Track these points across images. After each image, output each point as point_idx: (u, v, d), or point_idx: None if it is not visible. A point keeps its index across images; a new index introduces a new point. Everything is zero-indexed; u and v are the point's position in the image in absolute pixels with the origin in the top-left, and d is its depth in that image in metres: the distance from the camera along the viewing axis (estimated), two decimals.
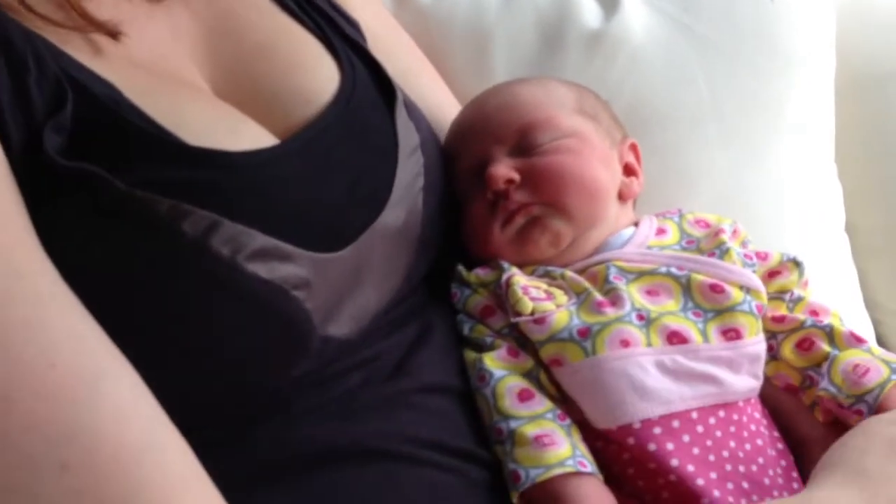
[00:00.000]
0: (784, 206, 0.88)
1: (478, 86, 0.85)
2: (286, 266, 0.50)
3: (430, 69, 0.81)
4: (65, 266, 0.46)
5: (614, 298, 0.57)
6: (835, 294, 0.88)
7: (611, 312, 0.56)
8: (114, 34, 0.53)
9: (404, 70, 0.73)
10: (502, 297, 0.60)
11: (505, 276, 0.61)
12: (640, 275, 0.59)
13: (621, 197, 0.67)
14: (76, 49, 0.51)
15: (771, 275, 0.63)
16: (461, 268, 0.64)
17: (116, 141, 0.49)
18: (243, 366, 0.50)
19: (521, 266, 0.63)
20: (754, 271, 0.61)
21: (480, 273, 0.63)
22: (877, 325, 0.96)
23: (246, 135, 0.53)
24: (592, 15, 0.86)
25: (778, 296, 0.63)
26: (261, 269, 0.49)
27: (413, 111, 0.64)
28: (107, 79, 0.51)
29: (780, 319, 0.61)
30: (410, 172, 0.60)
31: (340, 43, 0.64)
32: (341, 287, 0.54)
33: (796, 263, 0.64)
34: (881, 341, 0.95)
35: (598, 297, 0.58)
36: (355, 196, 0.56)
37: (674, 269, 0.59)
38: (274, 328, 0.50)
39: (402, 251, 0.59)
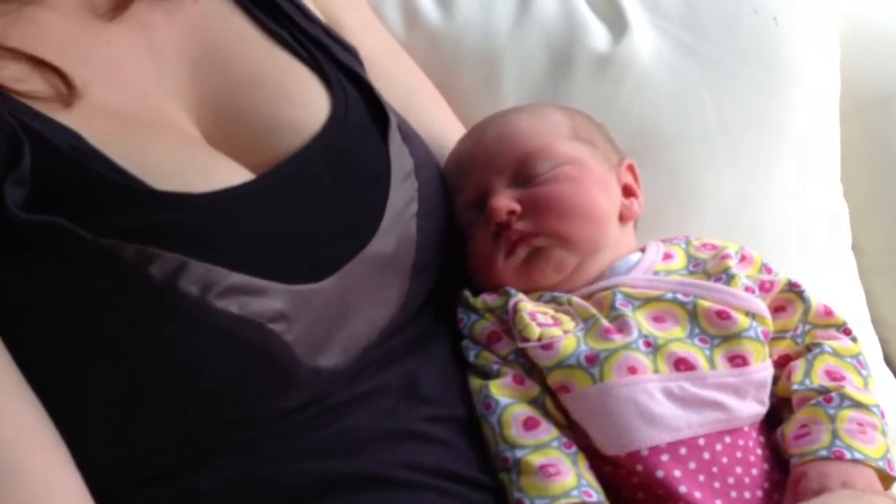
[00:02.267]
0: (790, 225, 0.89)
1: (487, 109, 0.85)
2: (259, 300, 0.50)
3: (433, 91, 0.82)
4: (31, 315, 0.48)
5: (621, 325, 0.58)
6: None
7: (618, 339, 0.57)
8: (68, 84, 0.53)
9: (405, 92, 0.74)
10: (509, 323, 0.61)
11: (512, 302, 0.61)
12: (647, 301, 0.60)
13: (622, 219, 0.67)
14: (39, 98, 0.52)
15: (775, 310, 0.63)
16: (467, 293, 0.65)
17: (80, 190, 0.50)
18: (225, 400, 0.51)
19: (527, 292, 0.64)
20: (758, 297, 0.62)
21: (487, 298, 0.64)
22: (884, 343, 0.96)
23: (217, 174, 0.54)
24: (601, 38, 0.87)
25: (780, 335, 0.62)
26: (232, 305, 0.49)
27: (408, 135, 0.65)
28: (70, 127, 0.52)
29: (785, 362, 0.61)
30: (403, 198, 0.60)
31: (333, 70, 0.65)
32: (327, 318, 0.54)
33: (800, 296, 0.64)
34: (888, 360, 0.96)
35: (606, 323, 0.58)
36: (340, 224, 0.56)
37: (680, 296, 0.60)
38: (251, 361, 0.51)
39: (395, 279, 0.59)
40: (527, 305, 0.61)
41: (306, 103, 0.61)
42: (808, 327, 0.63)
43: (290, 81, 0.62)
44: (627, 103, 0.86)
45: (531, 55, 0.87)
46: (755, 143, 0.88)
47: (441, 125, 0.77)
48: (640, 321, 0.58)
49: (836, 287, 0.91)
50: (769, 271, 0.66)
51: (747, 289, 0.61)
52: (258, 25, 0.64)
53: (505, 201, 0.63)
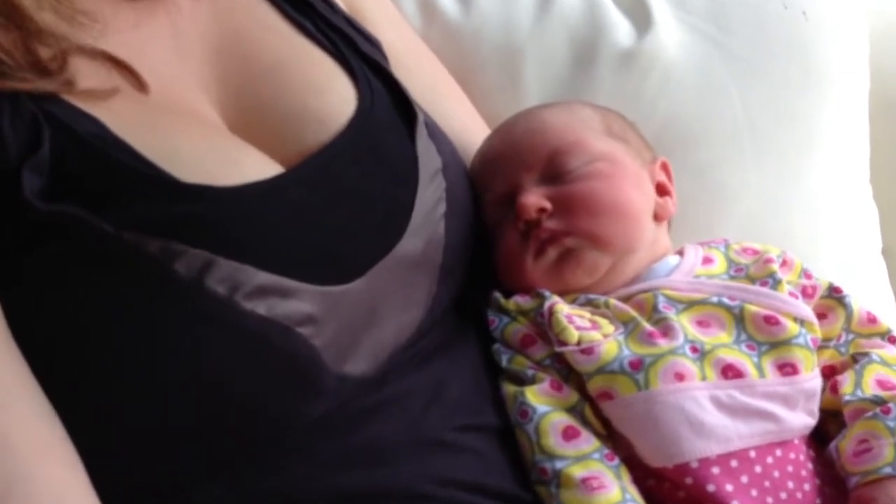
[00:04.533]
0: (819, 226, 0.86)
1: (508, 105, 0.83)
2: (288, 302, 0.47)
3: (456, 89, 0.79)
4: (49, 314, 0.45)
5: (665, 329, 0.55)
6: None
7: (663, 344, 0.54)
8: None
9: (427, 89, 0.71)
10: (544, 326, 0.58)
11: (547, 305, 0.58)
12: (691, 304, 0.57)
13: (656, 218, 0.64)
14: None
15: (816, 317, 0.60)
16: (498, 295, 0.62)
17: (101, 180, 0.47)
18: (248, 406, 0.48)
19: (559, 294, 0.61)
20: None
21: (520, 301, 0.61)
22: None
23: (245, 166, 0.51)
24: (625, 33, 0.84)
25: (823, 344, 0.59)
26: (260, 307, 0.46)
27: (435, 133, 0.62)
28: (92, 114, 0.49)
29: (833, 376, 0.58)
30: (431, 198, 0.57)
31: (358, 63, 0.62)
32: (355, 321, 0.51)
33: (841, 302, 0.61)
34: None
35: (648, 326, 0.55)
36: (369, 224, 0.53)
37: (726, 300, 0.57)
38: (277, 367, 0.48)
39: (423, 281, 0.56)
40: (563, 308, 0.58)
41: (332, 95, 0.58)
42: (851, 336, 0.60)
43: (315, 72, 0.59)
44: (652, 100, 0.83)
45: (553, 50, 0.84)
46: (784, 142, 0.85)
47: (464, 124, 0.74)
48: (685, 325, 0.55)
49: (866, 292, 0.88)
50: (809, 276, 0.63)
51: (790, 294, 0.58)
52: (281, 14, 0.61)
53: (535, 198, 0.60)
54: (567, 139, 0.63)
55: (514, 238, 0.61)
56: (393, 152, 0.57)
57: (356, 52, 0.63)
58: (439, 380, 0.56)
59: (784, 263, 0.63)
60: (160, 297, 0.45)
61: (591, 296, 0.60)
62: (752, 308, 0.56)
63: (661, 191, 0.66)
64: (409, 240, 0.54)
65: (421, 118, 0.61)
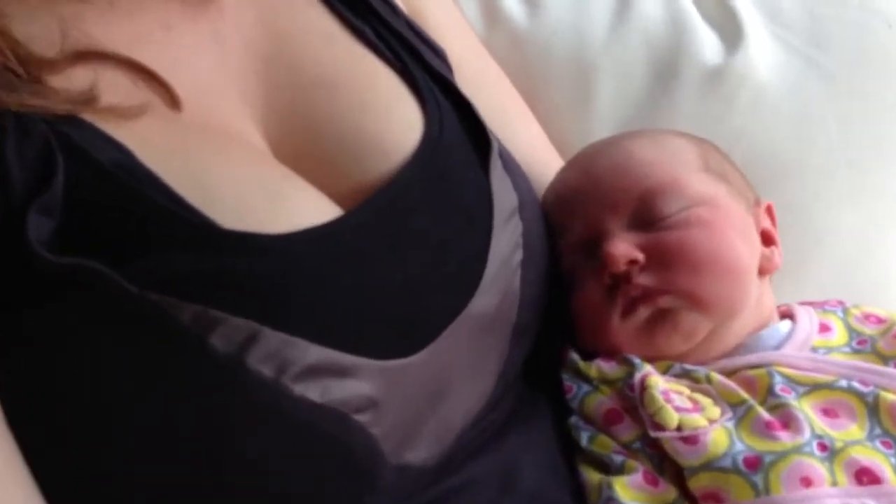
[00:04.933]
0: None
1: (577, 126, 0.75)
2: (346, 383, 0.39)
3: (524, 108, 0.70)
4: (53, 390, 0.37)
5: (786, 418, 0.46)
6: None
7: (786, 439, 0.45)
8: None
9: (494, 108, 0.62)
10: (633, 401, 0.49)
11: (639, 376, 0.49)
12: (815, 388, 0.48)
13: (761, 272, 0.55)
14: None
15: None
16: (576, 357, 0.53)
17: (124, 223, 0.38)
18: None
19: (648, 360, 0.52)
20: None
21: (604, 366, 0.52)
22: None
23: (296, 206, 0.42)
24: (712, 49, 0.75)
25: None
26: (312, 391, 0.38)
27: (510, 164, 0.53)
28: (116, 139, 0.40)
29: None
30: (508, 244, 0.48)
31: (424, 78, 0.53)
32: (419, 400, 0.43)
33: None
34: None
35: (764, 414, 0.46)
36: (440, 279, 0.44)
37: (857, 384, 0.47)
38: (330, 463, 0.39)
39: (495, 344, 0.48)
40: (658, 381, 0.49)
41: (396, 117, 0.49)
42: None
43: (376, 89, 0.51)
44: (739, 126, 0.74)
45: (630, 64, 0.75)
46: (883, 178, 0.76)
47: (533, 150, 0.65)
48: (810, 414, 0.46)
49: None
50: None
51: None
52: (338, 17, 0.52)
53: (624, 247, 0.51)
54: (660, 178, 0.54)
55: (596, 291, 0.52)
56: (465, 189, 0.48)
57: (421, 64, 0.54)
58: (510, 464, 0.47)
59: None
60: (191, 379, 0.36)
61: (689, 366, 0.51)
62: (889, 397, 0.47)
63: (767, 240, 0.57)
64: (483, 296, 0.46)
65: (496, 147, 0.52)
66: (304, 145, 0.47)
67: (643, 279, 0.51)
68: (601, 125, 0.74)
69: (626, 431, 0.49)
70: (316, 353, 0.38)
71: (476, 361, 0.46)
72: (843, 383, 0.48)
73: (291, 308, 0.38)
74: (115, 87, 0.42)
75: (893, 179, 0.76)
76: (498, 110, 0.63)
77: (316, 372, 0.38)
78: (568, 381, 0.53)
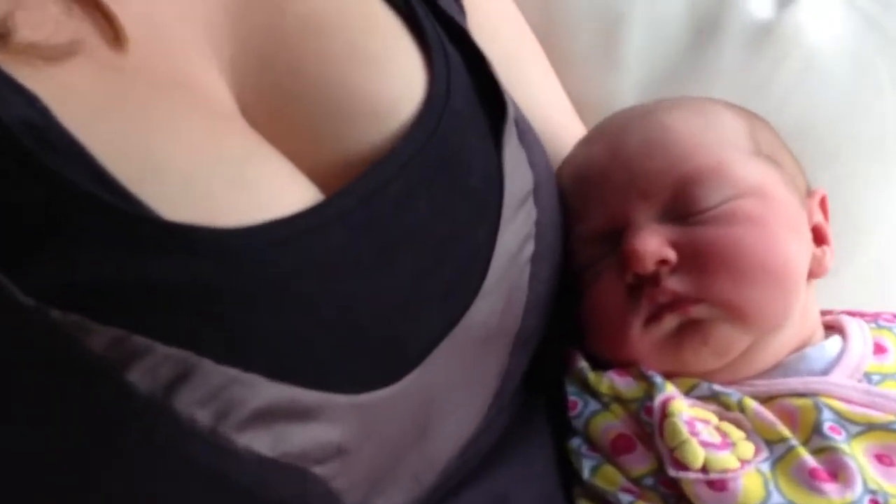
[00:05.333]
0: None
1: (598, 82, 0.66)
2: (307, 429, 0.31)
3: (543, 61, 0.60)
4: None
5: (835, 466, 0.38)
6: None
7: (834, 494, 0.37)
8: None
9: (509, 60, 0.52)
10: (650, 428, 0.41)
11: (659, 399, 0.41)
12: (870, 428, 0.40)
13: (808, 276, 0.47)
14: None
15: None
16: (585, 365, 0.45)
17: (25, 209, 0.29)
18: None
19: (670, 376, 0.44)
20: None
21: (617, 381, 0.44)
22: None
23: (263, 190, 0.33)
24: (761, 2, 0.65)
25: None
26: (261, 441, 0.30)
27: (526, 133, 0.44)
28: (30, 89, 0.31)
29: None
30: (517, 236, 0.40)
31: (431, 23, 0.43)
32: (400, 438, 0.35)
33: None
34: None
35: (808, 459, 0.38)
36: (433, 288, 0.36)
37: None
38: None
39: (493, 357, 0.40)
40: (682, 408, 0.41)
41: (394, 72, 0.40)
42: None
43: (373, 35, 0.41)
44: (784, 93, 0.65)
45: (667, 17, 0.66)
46: None
47: (549, 108, 0.56)
48: (862, 463, 0.39)
49: None
50: None
51: None
52: None
53: (655, 243, 0.43)
54: (702, 161, 0.45)
55: (615, 292, 0.44)
56: (473, 167, 0.40)
57: (429, 5, 0.45)
58: (499, 499, 0.39)
59: None
60: (101, 428, 0.28)
61: (718, 387, 0.43)
62: None
63: (818, 237, 0.48)
64: (483, 302, 0.38)
65: (511, 112, 0.42)
66: (280, 103, 0.38)
67: (674, 283, 0.42)
68: (626, 82, 0.65)
69: (639, 464, 0.41)
70: (270, 391, 0.29)
71: (470, 381, 0.38)
72: None
73: (241, 331, 0.29)
74: (38, 19, 0.33)
75: None
76: (514, 62, 0.54)
77: (268, 416, 0.29)
78: (573, 395, 0.45)
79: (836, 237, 0.63)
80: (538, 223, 0.41)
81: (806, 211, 0.48)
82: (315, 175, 0.37)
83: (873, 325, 0.47)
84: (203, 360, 0.28)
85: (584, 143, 0.50)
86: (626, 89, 0.65)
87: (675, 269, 0.43)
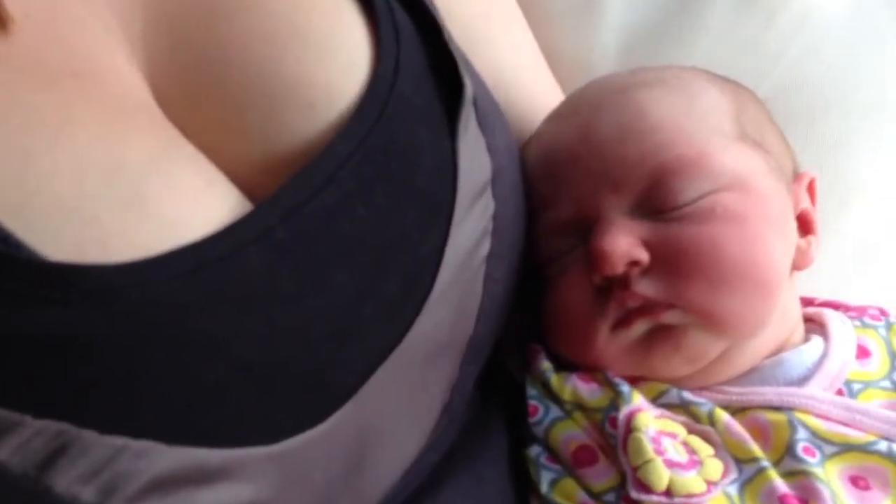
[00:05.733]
0: None
1: (582, 37, 0.61)
2: (215, 491, 0.27)
3: (513, 12, 0.55)
4: None
5: (807, 493, 0.35)
6: None
7: None
8: None
9: (475, 16, 0.48)
10: (614, 441, 0.39)
11: (625, 412, 0.39)
12: (846, 449, 0.37)
13: (793, 267, 0.44)
14: None
15: None
16: (548, 367, 0.42)
17: None
18: None
19: (636, 380, 0.41)
20: None
21: (581, 387, 0.41)
22: None
23: (172, 207, 0.29)
24: None
25: None
26: None
27: (486, 113, 0.39)
28: None
29: None
30: (471, 234, 0.36)
31: None
32: (328, 481, 0.31)
33: None
34: None
35: (779, 483, 0.36)
36: (370, 308, 0.32)
37: None
38: None
39: (442, 371, 0.37)
40: (648, 421, 0.38)
41: (332, 51, 0.35)
42: None
43: (308, 5, 0.36)
44: (780, 47, 0.61)
45: None
46: None
47: (516, 69, 0.51)
48: (836, 488, 0.36)
49: None
50: None
51: None
52: None
53: (625, 243, 0.39)
54: (681, 150, 0.41)
55: (581, 292, 0.41)
56: (422, 162, 0.35)
57: None
58: None
59: None
60: None
61: (688, 396, 0.40)
62: None
63: (804, 225, 0.45)
64: (429, 315, 0.34)
65: (469, 94, 0.38)
66: (198, 89, 0.34)
67: (645, 287, 0.39)
68: (608, 37, 0.60)
69: (600, 478, 0.39)
70: (169, 457, 0.26)
71: (414, 402, 0.35)
72: (883, 446, 0.37)
73: (130, 391, 0.26)
74: None
75: None
76: (482, 21, 0.49)
77: (168, 484, 0.26)
78: (534, 399, 0.42)
79: (821, 199, 0.61)
80: (496, 217, 0.38)
81: (792, 198, 0.44)
82: (239, 175, 0.33)
83: (858, 323, 0.44)
84: (83, 432, 0.25)
85: (555, 118, 0.46)
86: (607, 45, 0.60)
87: (647, 271, 0.39)
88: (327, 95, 0.34)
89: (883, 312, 0.45)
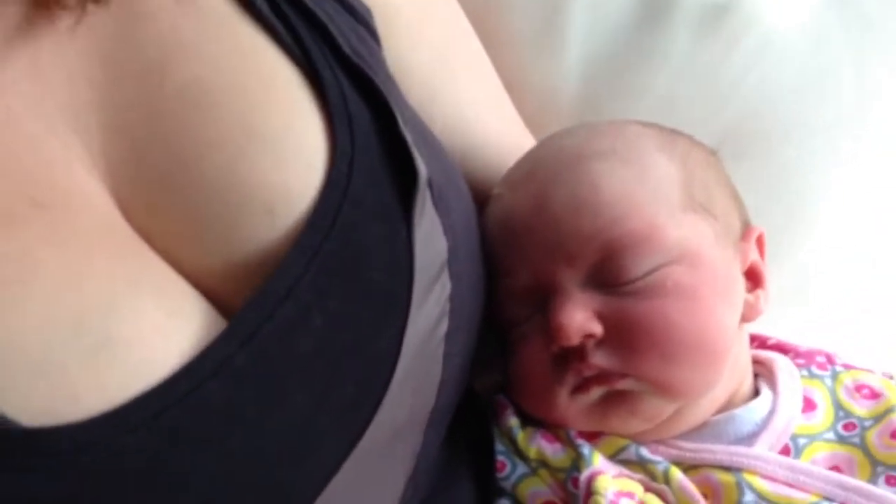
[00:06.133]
0: None
1: (543, 64, 0.61)
2: None
3: (477, 55, 0.55)
4: None
5: None
6: None
7: None
8: None
9: (433, 63, 0.49)
10: (576, 501, 0.41)
11: (585, 475, 0.41)
12: None
13: (742, 320, 0.45)
14: None
15: None
16: (515, 424, 0.44)
17: None
18: None
19: (598, 434, 0.43)
20: None
21: (546, 448, 0.43)
22: None
23: (140, 344, 0.30)
24: None
25: None
26: None
27: (443, 192, 0.39)
28: None
29: None
30: (429, 319, 0.37)
31: (332, 73, 0.38)
32: None
33: None
34: None
35: None
36: (326, 414, 0.33)
37: None
38: None
39: (405, 447, 0.38)
40: (607, 484, 0.40)
41: (291, 152, 0.36)
42: None
43: (267, 105, 0.36)
44: (740, 73, 0.62)
45: None
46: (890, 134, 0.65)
47: (479, 117, 0.52)
48: None
49: None
50: None
51: None
52: None
53: (580, 318, 0.41)
54: (633, 226, 0.42)
55: (541, 359, 0.43)
56: (377, 259, 0.36)
57: (328, 44, 0.39)
58: None
59: None
60: None
61: (646, 454, 0.42)
62: None
63: (753, 278, 0.46)
64: (387, 407, 0.35)
65: (423, 180, 0.38)
66: (159, 198, 0.34)
67: (599, 358, 0.41)
68: (571, 63, 0.61)
69: None
70: None
71: (378, 484, 0.37)
72: None
73: None
74: None
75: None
76: (440, 68, 0.50)
77: None
78: (502, 455, 0.44)
79: (781, 220, 0.63)
80: (453, 297, 0.39)
81: (740, 256, 0.46)
82: (202, 283, 0.34)
83: (805, 373, 0.46)
84: None
85: (511, 183, 0.46)
86: (570, 73, 0.61)
87: (602, 342, 0.41)
88: (286, 200, 0.35)
89: (830, 360, 0.47)
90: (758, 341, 0.51)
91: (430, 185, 0.39)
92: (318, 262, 0.34)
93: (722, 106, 0.61)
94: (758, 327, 0.51)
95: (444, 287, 0.39)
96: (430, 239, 0.38)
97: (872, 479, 0.41)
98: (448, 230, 0.39)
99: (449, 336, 0.39)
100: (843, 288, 0.64)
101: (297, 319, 0.33)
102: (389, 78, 0.43)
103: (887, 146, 0.65)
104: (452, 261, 0.39)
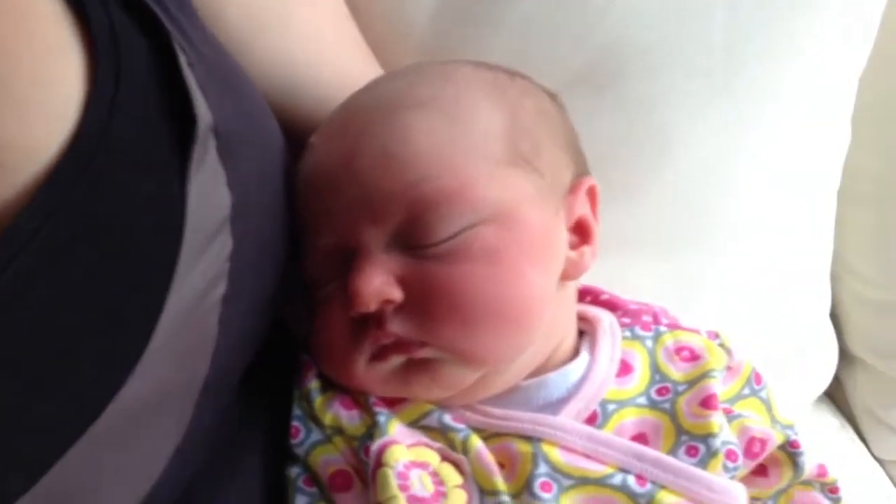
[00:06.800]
0: (776, 177, 0.66)
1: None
2: None
3: None
4: None
5: None
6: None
7: None
8: None
9: None
10: (367, 470, 0.39)
11: (377, 445, 0.39)
12: (582, 482, 0.38)
13: (563, 277, 0.43)
14: None
15: (754, 472, 0.43)
16: (315, 387, 0.41)
17: None
18: None
19: (402, 400, 0.41)
20: (737, 469, 0.41)
21: (342, 415, 0.41)
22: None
23: None
24: None
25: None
26: None
27: (232, 141, 0.35)
28: None
29: None
30: (201, 280, 0.34)
31: (104, 13, 0.33)
32: None
33: (794, 460, 0.43)
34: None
35: None
36: (52, 398, 0.30)
37: (632, 482, 0.38)
38: None
39: (169, 416, 0.35)
40: (399, 455, 0.38)
41: (36, 100, 0.31)
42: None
43: (12, 50, 0.31)
44: (601, 8, 0.57)
45: None
46: (758, 70, 0.62)
47: (312, 45, 0.47)
48: None
49: (807, 268, 0.72)
50: (758, 380, 0.45)
51: (729, 454, 0.40)
52: None
53: (378, 282, 0.38)
54: (442, 183, 0.39)
55: (340, 324, 0.40)
56: (137, 216, 0.32)
57: None
58: None
59: (729, 369, 0.44)
60: None
61: (448, 420, 0.40)
62: (669, 499, 0.38)
63: (581, 232, 0.44)
64: (137, 381, 0.32)
65: (202, 129, 0.34)
66: None
67: (397, 326, 0.38)
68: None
69: (354, 502, 0.40)
70: None
71: (128, 459, 0.34)
72: (617, 479, 0.38)
73: None
74: None
75: (766, 75, 0.62)
76: (280, 13, 0.45)
77: None
78: (297, 420, 0.41)
79: (636, 152, 0.61)
80: (233, 257, 0.35)
81: (566, 209, 0.43)
82: None
83: (628, 333, 0.45)
84: None
85: (325, 136, 0.43)
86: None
87: (401, 308, 0.39)
88: (24, 157, 0.30)
89: (656, 319, 0.46)
90: (591, 295, 0.49)
91: (217, 132, 0.35)
92: (52, 225, 0.30)
93: (584, 36, 0.57)
94: (607, 269, 0.49)
95: (223, 246, 0.35)
96: (209, 194, 0.34)
97: (675, 448, 0.40)
98: (234, 183, 0.35)
99: (227, 299, 0.35)
100: (696, 226, 0.62)
101: (16, 292, 0.29)
102: (191, 14, 0.38)
103: (750, 91, 0.62)
104: (237, 217, 0.35)
